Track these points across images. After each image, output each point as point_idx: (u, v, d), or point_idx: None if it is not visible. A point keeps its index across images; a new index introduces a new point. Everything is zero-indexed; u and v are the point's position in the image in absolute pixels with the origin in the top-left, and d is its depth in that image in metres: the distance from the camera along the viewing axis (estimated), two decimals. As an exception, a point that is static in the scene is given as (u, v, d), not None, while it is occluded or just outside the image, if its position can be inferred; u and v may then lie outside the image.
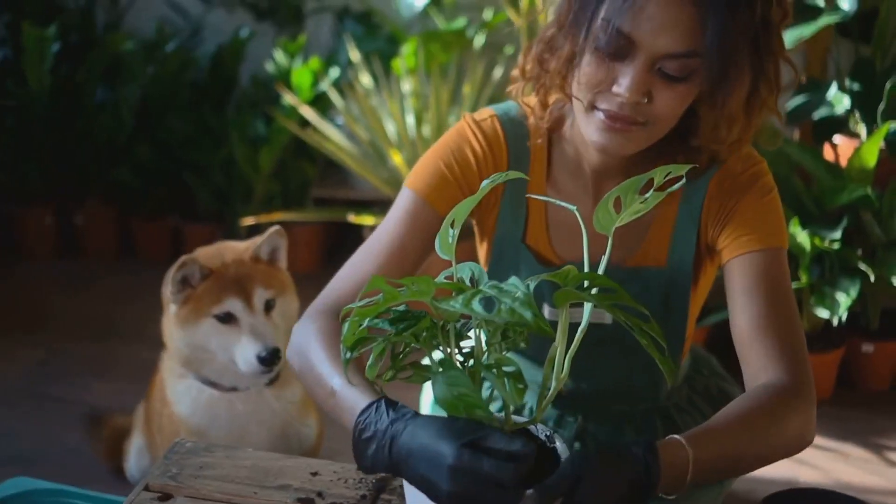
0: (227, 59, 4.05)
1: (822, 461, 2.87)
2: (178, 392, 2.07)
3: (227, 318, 1.99)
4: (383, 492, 1.42)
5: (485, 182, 1.24)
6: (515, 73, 1.58)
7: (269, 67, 3.94)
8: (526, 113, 1.59)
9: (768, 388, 1.35)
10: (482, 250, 1.70)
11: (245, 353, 1.96)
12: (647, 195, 1.22)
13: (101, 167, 4.11)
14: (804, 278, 2.92)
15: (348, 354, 1.19)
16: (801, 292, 3.04)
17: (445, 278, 1.26)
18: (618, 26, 1.33)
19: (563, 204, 1.27)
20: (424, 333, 1.21)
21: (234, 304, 1.98)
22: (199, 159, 3.95)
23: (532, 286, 1.21)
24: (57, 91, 3.98)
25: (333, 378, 1.36)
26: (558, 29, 1.45)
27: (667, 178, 1.24)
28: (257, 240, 2.06)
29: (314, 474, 1.48)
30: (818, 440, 2.97)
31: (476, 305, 1.09)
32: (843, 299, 2.87)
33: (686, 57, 1.34)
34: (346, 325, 1.18)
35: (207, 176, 3.95)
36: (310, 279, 2.37)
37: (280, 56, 3.85)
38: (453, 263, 1.25)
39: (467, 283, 1.24)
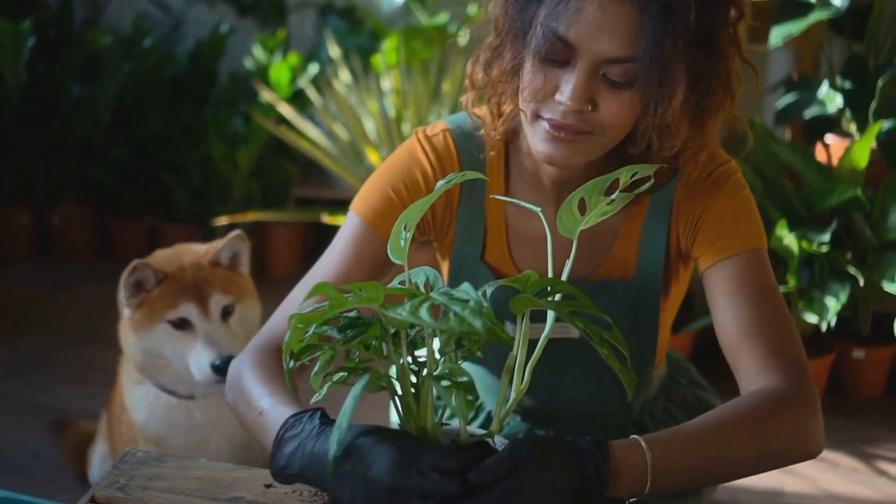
0: (206, 56, 4.02)
1: (809, 470, 2.83)
2: (136, 398, 2.03)
3: (182, 324, 1.95)
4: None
5: (440, 183, 1.20)
6: (466, 82, 1.53)
7: (248, 64, 3.90)
8: (479, 124, 1.54)
9: (757, 393, 1.28)
10: (444, 269, 1.66)
11: (199, 360, 1.92)
12: (614, 196, 1.19)
13: (77, 166, 4.08)
14: (792, 282, 2.88)
15: (291, 363, 1.15)
16: (789, 297, 3.00)
17: (399, 283, 1.23)
18: (556, 31, 1.29)
19: (526, 205, 1.23)
20: (374, 342, 1.18)
21: (189, 310, 1.94)
22: (176, 158, 3.91)
23: (489, 292, 1.18)
24: (32, 88, 3.95)
25: (263, 399, 1.32)
26: (497, 35, 1.40)
27: (633, 179, 1.21)
28: (217, 244, 2.02)
29: (268, 486, 1.44)
30: (806, 448, 2.93)
31: (424, 314, 1.06)
32: (833, 304, 2.83)
33: (629, 62, 1.28)
34: (289, 333, 1.14)
35: (185, 175, 3.91)
36: (290, 280, 2.33)
37: (259, 52, 3.81)
38: (406, 268, 1.21)
39: (421, 288, 1.21)
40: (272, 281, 3.88)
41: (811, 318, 2.85)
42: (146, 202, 4.10)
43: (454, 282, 1.61)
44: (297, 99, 3.73)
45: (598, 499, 1.14)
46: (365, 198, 1.53)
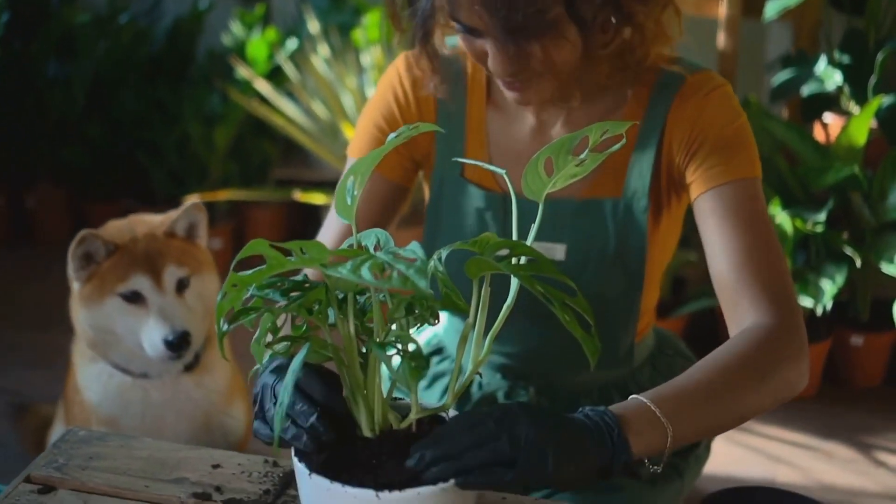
0: (184, 33, 3.95)
1: (803, 460, 2.77)
2: (88, 377, 1.97)
3: (134, 298, 1.89)
4: (289, 487, 1.33)
5: (391, 136, 1.14)
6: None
7: (227, 40, 3.84)
8: None
9: (753, 335, 1.28)
10: (427, 196, 1.62)
11: (151, 336, 1.86)
12: (583, 156, 1.14)
13: (51, 147, 4.01)
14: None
15: (225, 326, 1.09)
16: (783, 279, 2.94)
17: (349, 246, 1.17)
18: (452, 16, 1.32)
19: (492, 168, 1.18)
20: (318, 305, 1.11)
21: (141, 283, 1.88)
22: (152, 138, 3.85)
23: (444, 255, 1.12)
24: (6, 66, 3.88)
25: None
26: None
27: (604, 138, 1.15)
28: (173, 214, 1.95)
29: (216, 467, 1.38)
30: (799, 437, 2.88)
31: (366, 272, 1.00)
32: (829, 287, 2.77)
33: (532, 19, 1.26)
34: (221, 294, 1.09)
35: (161, 156, 3.85)
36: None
37: (237, 27, 3.75)
38: (353, 228, 1.15)
39: (371, 251, 1.15)
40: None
41: (806, 302, 2.79)
42: (122, 184, 4.04)
43: (436, 205, 1.58)
44: (275, 76, 3.66)
45: (623, 465, 1.11)
46: (355, 139, 1.58)
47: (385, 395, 1.13)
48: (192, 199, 1.95)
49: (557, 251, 1.51)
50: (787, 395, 1.27)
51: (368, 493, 1.04)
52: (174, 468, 1.38)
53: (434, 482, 1.04)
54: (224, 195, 3.37)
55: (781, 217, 2.73)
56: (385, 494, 1.04)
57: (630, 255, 1.52)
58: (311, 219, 3.73)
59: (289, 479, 1.34)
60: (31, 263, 3.92)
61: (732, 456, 2.77)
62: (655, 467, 1.17)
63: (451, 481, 1.04)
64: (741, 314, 1.33)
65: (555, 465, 1.05)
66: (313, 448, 1.10)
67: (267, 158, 3.88)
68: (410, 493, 1.04)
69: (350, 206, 1.13)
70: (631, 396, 1.18)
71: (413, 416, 1.10)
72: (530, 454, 1.05)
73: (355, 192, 1.13)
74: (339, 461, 1.11)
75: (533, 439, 1.06)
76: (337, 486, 1.05)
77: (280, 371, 1.17)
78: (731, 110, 1.45)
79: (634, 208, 1.50)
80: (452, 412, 1.16)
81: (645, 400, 1.16)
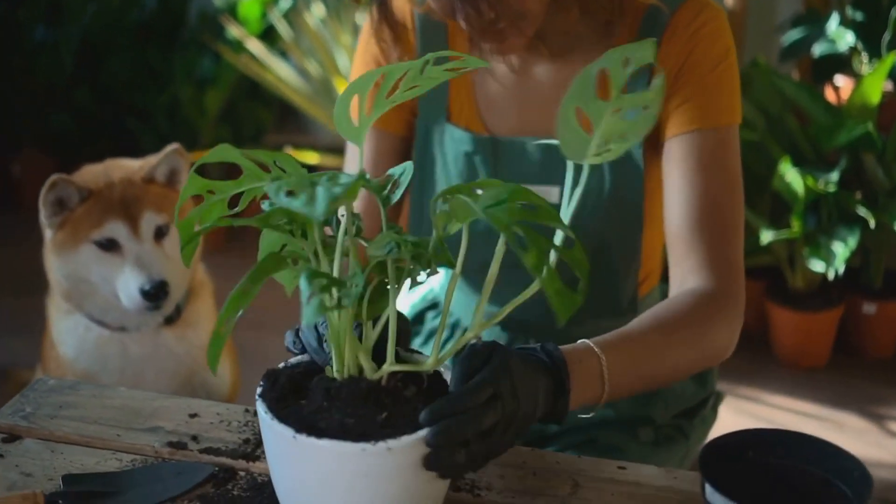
0: (175, -6, 3.88)
1: (813, 431, 2.68)
2: (64, 331, 1.90)
3: (109, 245, 1.81)
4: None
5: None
6: None
7: (218, 0, 3.76)
8: None
9: (694, 296, 1.28)
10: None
11: (127, 285, 1.79)
12: (620, 101, 0.97)
13: (38, 113, 3.95)
14: (797, 227, 2.75)
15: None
16: (793, 243, 2.87)
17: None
18: None
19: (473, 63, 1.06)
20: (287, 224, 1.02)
21: (116, 229, 1.80)
22: (142, 103, 3.78)
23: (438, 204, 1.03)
24: (-7, 31, 3.83)
25: None
26: None
27: (629, 71, 1.00)
28: (152, 159, 1.88)
29: (193, 416, 1.32)
30: (809, 408, 2.81)
31: (282, 196, 0.88)
32: (841, 250, 2.70)
33: None
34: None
35: (151, 121, 3.78)
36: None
37: (230, -14, 3.68)
38: (360, 152, 1.05)
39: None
40: (246, 235, 3.76)
41: (817, 266, 2.72)
42: (110, 150, 3.94)
43: (422, 152, 1.53)
44: (268, 36, 3.59)
45: (562, 411, 1.08)
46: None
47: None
48: (172, 146, 1.86)
49: (552, 194, 1.44)
50: (714, 359, 1.30)
51: (287, 431, 0.95)
52: (149, 417, 1.31)
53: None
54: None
55: (792, 176, 2.65)
56: (302, 437, 0.94)
57: (627, 194, 1.46)
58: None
59: (270, 429, 1.27)
60: (15, 231, 3.85)
61: (741, 426, 2.69)
62: (584, 416, 1.18)
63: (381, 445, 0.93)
64: (684, 271, 1.32)
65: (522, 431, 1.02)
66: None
67: (260, 124, 3.81)
68: (327, 442, 0.94)
69: (359, 129, 1.03)
70: (581, 341, 1.15)
71: (386, 368, 1.00)
72: (521, 427, 1.02)
73: (366, 117, 1.03)
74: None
75: (527, 411, 1.02)
76: (269, 418, 0.98)
77: None
78: (719, 50, 1.37)
79: (630, 151, 1.43)
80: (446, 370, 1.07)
81: (597, 351, 1.14)
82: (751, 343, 3.04)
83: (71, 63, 3.85)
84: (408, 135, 1.55)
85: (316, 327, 1.06)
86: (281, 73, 3.36)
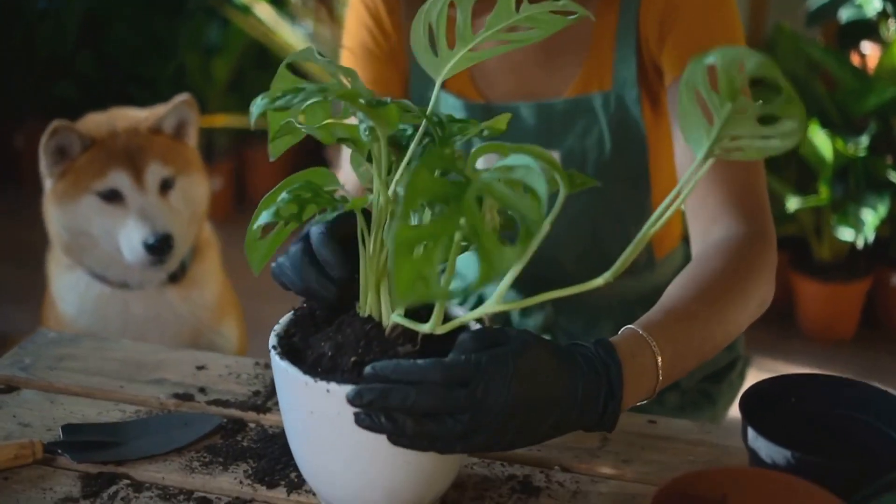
0: (182, -41, 3.83)
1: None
2: (64, 287, 1.85)
3: (112, 196, 1.76)
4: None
5: None
6: None
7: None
8: None
9: (726, 250, 1.17)
10: None
11: (130, 238, 1.74)
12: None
13: (41, 83, 3.90)
14: (825, 194, 2.69)
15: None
16: (820, 211, 2.81)
17: None
18: None
19: None
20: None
21: (119, 180, 1.75)
22: (147, 72, 3.73)
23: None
24: (-7, -2, 3.78)
25: None
26: None
27: None
28: (160, 109, 1.82)
29: (200, 368, 1.28)
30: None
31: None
32: (870, 217, 2.65)
33: None
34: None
35: (156, 90, 3.73)
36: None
37: (239, -52, 3.62)
38: (438, 85, 1.00)
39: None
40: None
41: (846, 234, 2.67)
42: (115, 121, 3.92)
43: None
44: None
45: (611, 419, 0.96)
46: (342, 56, 1.49)
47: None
48: (182, 96, 1.81)
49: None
50: (760, 310, 1.18)
51: (274, 353, 0.95)
52: (153, 369, 1.27)
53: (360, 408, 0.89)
54: (222, 120, 3.25)
55: (820, 140, 2.59)
56: (283, 363, 0.94)
57: (630, 153, 1.42)
58: (316, 156, 3.60)
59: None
60: (18, 202, 3.82)
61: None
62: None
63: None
64: (705, 221, 1.23)
65: (515, 435, 0.91)
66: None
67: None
68: (288, 366, 0.93)
69: (439, 61, 0.99)
70: (629, 329, 1.02)
71: (392, 317, 0.94)
72: (489, 426, 0.89)
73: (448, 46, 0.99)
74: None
75: (500, 412, 0.89)
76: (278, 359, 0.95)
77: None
78: None
79: (626, 99, 1.39)
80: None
81: (650, 342, 1.01)
82: (775, 316, 2.97)
83: (74, 32, 3.81)
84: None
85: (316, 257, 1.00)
86: (291, 38, 3.30)
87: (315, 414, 0.92)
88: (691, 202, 1.25)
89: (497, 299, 0.89)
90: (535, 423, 0.91)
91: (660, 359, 1.01)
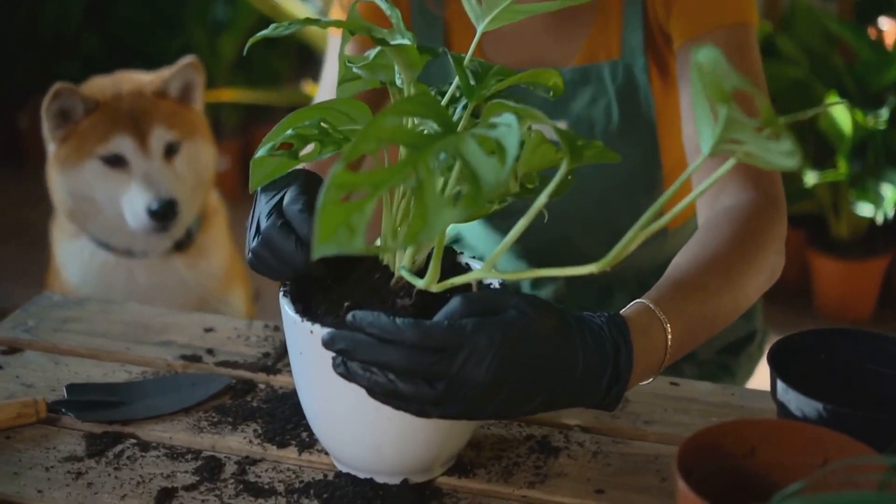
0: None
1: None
2: (68, 254, 1.82)
3: (115, 161, 1.74)
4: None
5: None
6: None
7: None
8: None
9: (735, 218, 1.12)
10: None
11: (134, 203, 1.71)
12: None
13: (45, 62, 3.87)
14: (843, 169, 2.65)
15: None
16: (838, 187, 2.78)
17: None
18: None
19: None
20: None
21: (123, 144, 1.73)
22: (153, 50, 3.69)
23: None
24: (-4, -23, 3.76)
25: None
26: None
27: None
28: (165, 72, 1.80)
29: (208, 330, 1.26)
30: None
31: None
32: (890, 192, 2.61)
33: None
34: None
35: (162, 68, 3.70)
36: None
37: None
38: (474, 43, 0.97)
39: None
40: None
41: (865, 210, 2.64)
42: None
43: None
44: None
45: (614, 400, 0.92)
46: (335, 14, 1.44)
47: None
48: (187, 58, 1.78)
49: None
50: (771, 280, 1.13)
51: (290, 311, 0.92)
52: (160, 332, 1.25)
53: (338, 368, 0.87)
54: (229, 95, 3.21)
55: (840, 113, 2.56)
56: (285, 301, 0.93)
57: (638, 122, 1.38)
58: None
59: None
60: (22, 183, 3.80)
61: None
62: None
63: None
64: (714, 189, 1.17)
65: (498, 407, 0.87)
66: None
67: (278, 72, 3.73)
68: (287, 305, 0.93)
69: None
70: (639, 302, 0.98)
71: (399, 270, 0.91)
72: (466, 397, 0.85)
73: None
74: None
75: (479, 384, 0.85)
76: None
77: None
78: None
79: (635, 68, 1.36)
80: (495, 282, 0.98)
81: (661, 317, 0.97)
82: (791, 294, 2.95)
83: (79, 10, 3.77)
84: None
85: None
86: (300, 14, 3.27)
87: (304, 355, 0.91)
88: (699, 170, 1.19)
89: (487, 268, 0.86)
90: (521, 399, 0.87)
91: (669, 336, 0.96)
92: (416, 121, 0.87)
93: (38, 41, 3.84)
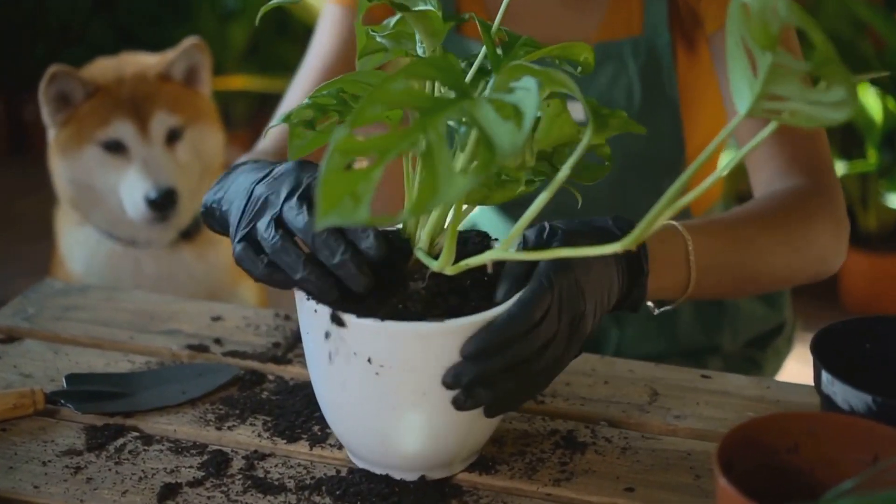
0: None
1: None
2: (73, 243, 1.78)
3: (115, 147, 1.70)
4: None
5: None
6: None
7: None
8: None
9: (788, 192, 1.13)
10: None
11: (132, 192, 1.67)
12: None
13: (52, 53, 3.84)
14: (873, 159, 2.61)
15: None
16: (867, 177, 2.73)
17: None
18: None
19: None
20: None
21: (123, 129, 1.69)
22: (161, 39, 3.66)
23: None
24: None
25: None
26: None
27: None
28: (169, 54, 1.75)
29: (216, 319, 1.21)
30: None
31: None
32: (921, 184, 2.57)
33: None
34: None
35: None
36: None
37: None
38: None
39: None
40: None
41: (894, 202, 2.58)
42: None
43: None
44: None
45: (639, 297, 0.95)
46: None
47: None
48: (191, 39, 1.74)
49: (577, 110, 1.31)
50: (817, 264, 1.13)
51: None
52: (166, 320, 1.21)
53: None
54: (239, 83, 3.17)
55: (869, 100, 2.51)
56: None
57: (661, 104, 1.34)
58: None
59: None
60: (28, 176, 3.78)
61: (806, 377, 2.57)
62: (661, 308, 1.05)
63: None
64: (769, 177, 1.18)
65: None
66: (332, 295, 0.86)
67: (290, 61, 3.69)
68: (311, 304, 0.86)
69: None
70: (668, 222, 0.98)
71: (416, 253, 0.87)
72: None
73: None
74: None
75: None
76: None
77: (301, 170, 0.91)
78: None
79: (658, 46, 1.32)
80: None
81: (682, 230, 1.00)
82: (816, 288, 2.87)
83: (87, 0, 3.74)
84: None
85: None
86: (311, 1, 3.23)
87: (310, 335, 0.87)
88: (752, 160, 1.19)
89: (504, 247, 0.84)
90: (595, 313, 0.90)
91: (692, 251, 0.99)
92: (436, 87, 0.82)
93: (45, 30, 3.81)
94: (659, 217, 0.75)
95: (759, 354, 1.50)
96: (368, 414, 0.87)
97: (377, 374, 0.84)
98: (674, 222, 1.00)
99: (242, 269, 0.90)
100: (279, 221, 0.87)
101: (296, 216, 0.85)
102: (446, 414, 0.85)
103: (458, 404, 0.83)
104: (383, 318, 0.82)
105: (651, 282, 0.95)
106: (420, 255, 0.85)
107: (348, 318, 0.83)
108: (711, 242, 1.02)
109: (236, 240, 0.90)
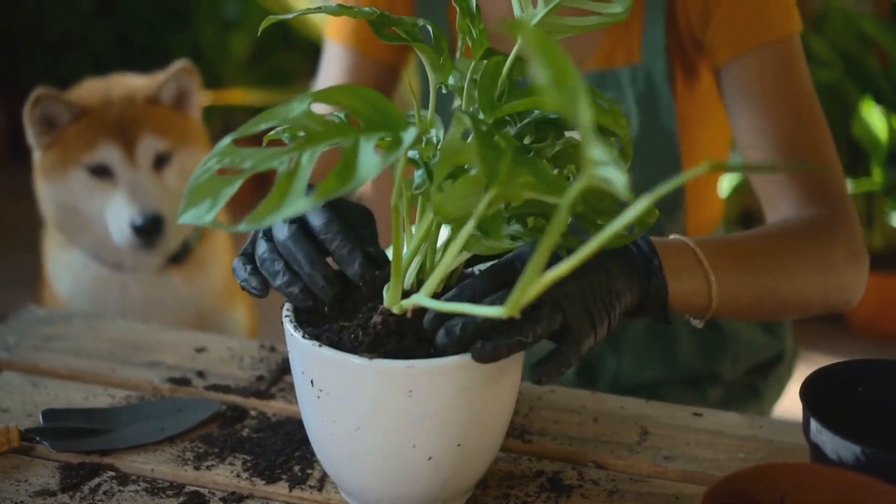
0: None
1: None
2: (59, 266, 1.77)
3: (101, 171, 1.69)
4: (287, 373, 1.14)
5: None
6: None
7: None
8: None
9: (805, 218, 1.12)
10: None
11: (118, 217, 1.65)
12: None
13: (53, 60, 3.85)
14: (878, 177, 2.59)
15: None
16: (873, 196, 2.71)
17: None
18: None
19: None
20: None
21: (109, 153, 1.67)
22: (162, 47, 3.67)
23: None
24: (2, -29, 3.75)
25: None
26: None
27: None
28: (159, 77, 1.74)
29: (199, 350, 1.20)
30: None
31: None
32: (928, 203, 2.55)
33: None
34: None
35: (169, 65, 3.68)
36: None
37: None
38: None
39: None
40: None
41: (900, 222, 2.58)
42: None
43: (427, 83, 1.38)
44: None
45: (660, 295, 0.95)
46: (338, 20, 1.39)
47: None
48: (181, 63, 1.73)
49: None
50: (840, 297, 1.12)
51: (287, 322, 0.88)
52: (149, 351, 1.19)
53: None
54: (239, 97, 3.17)
55: (875, 118, 2.50)
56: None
57: (659, 132, 1.33)
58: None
59: (287, 365, 1.14)
60: (26, 183, 3.78)
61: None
62: (697, 321, 1.02)
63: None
64: (784, 211, 1.17)
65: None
66: (305, 301, 0.89)
67: (292, 71, 3.69)
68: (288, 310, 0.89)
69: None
70: (672, 236, 1.01)
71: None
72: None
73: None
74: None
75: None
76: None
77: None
78: None
79: (655, 74, 1.31)
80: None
81: (690, 243, 1.00)
82: (822, 308, 2.89)
83: (87, 5, 3.76)
84: (393, 63, 1.41)
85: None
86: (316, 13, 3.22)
87: (291, 353, 0.88)
88: (766, 193, 1.20)
89: (426, 292, 0.82)
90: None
91: (703, 259, 0.98)
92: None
93: (46, 38, 3.83)
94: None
95: (760, 382, 1.49)
96: (324, 439, 0.87)
97: (318, 397, 0.84)
98: (679, 236, 1.01)
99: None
100: (268, 234, 0.92)
101: (279, 228, 0.90)
102: (382, 451, 0.84)
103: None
104: (323, 342, 0.83)
105: (670, 284, 0.95)
106: (386, 288, 0.85)
107: (295, 333, 0.84)
108: (728, 256, 1.01)
109: (238, 254, 0.96)
